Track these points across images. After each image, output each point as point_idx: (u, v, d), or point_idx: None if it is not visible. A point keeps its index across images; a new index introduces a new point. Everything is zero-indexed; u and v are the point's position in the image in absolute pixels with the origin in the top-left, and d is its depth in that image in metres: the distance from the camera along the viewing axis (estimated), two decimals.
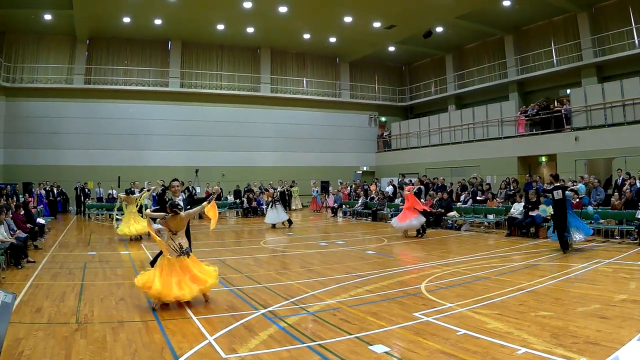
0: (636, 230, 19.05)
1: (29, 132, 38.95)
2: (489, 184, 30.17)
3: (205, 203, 11.88)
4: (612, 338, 8.17)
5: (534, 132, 34.40)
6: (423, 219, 23.87)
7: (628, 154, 27.60)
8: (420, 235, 23.76)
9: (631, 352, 4.19)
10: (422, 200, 27.00)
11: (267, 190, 32.34)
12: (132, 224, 23.01)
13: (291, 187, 39.49)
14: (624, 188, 22.14)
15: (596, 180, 24.57)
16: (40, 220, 23.99)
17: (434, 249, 20.00)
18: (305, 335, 9.05)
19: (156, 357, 7.97)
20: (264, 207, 37.54)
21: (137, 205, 23.60)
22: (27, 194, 30.96)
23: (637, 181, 22.89)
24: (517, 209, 23.60)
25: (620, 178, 24.56)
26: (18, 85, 39.36)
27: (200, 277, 11.28)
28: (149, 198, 24.27)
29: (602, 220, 21.19)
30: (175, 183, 12.65)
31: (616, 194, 22.45)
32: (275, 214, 29.13)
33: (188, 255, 11.44)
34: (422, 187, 27.30)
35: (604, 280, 12.87)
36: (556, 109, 33.93)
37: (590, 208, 21.05)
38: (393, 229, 25.64)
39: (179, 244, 11.40)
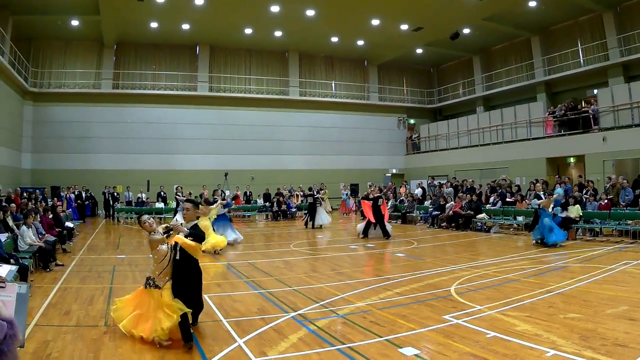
0: None
1: (56, 136, 39.36)
2: (517, 186, 30.07)
3: (163, 237, 9.37)
4: None
5: (562, 132, 34.23)
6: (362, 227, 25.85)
7: None
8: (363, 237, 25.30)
9: None
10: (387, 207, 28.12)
11: (320, 190, 33.42)
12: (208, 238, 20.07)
13: (320, 190, 39.68)
14: None
15: (624, 181, 24.40)
16: (69, 224, 24.21)
17: (463, 251, 20.01)
18: (335, 338, 9.12)
19: None
20: (294, 210, 37.79)
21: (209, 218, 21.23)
22: (55, 198, 31.11)
23: None
24: None
25: None
26: (45, 90, 39.79)
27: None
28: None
29: (629, 221, 21.08)
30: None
31: None
32: (323, 216, 30.77)
33: (144, 286, 9.66)
34: (382, 195, 27.56)
35: (632, 282, 12.87)
36: (584, 109, 33.69)
37: (546, 219, 20.98)
38: (422, 231, 25.92)
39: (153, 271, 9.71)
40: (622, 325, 9.07)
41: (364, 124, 48.78)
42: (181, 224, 9.55)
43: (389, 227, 25.24)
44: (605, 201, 22.94)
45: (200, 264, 9.64)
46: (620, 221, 21.50)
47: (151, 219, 9.72)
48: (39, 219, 18.96)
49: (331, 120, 47.46)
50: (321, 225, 30.30)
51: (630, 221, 21.12)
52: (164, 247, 9.34)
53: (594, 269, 14.60)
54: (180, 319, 8.72)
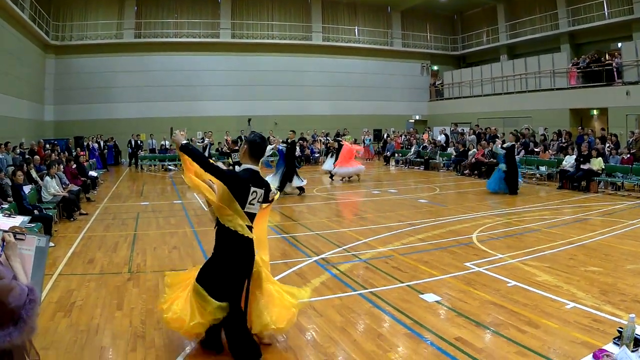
0: None
1: (79, 88, 39.25)
2: (543, 135, 29.94)
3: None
4: None
5: (586, 84, 33.88)
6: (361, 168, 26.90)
7: None
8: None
9: None
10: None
11: (343, 136, 32.89)
12: None
13: (343, 135, 39.56)
14: None
15: None
16: (93, 173, 24.32)
17: (485, 199, 20.09)
18: (357, 283, 9.32)
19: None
20: (317, 155, 37.83)
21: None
22: (78, 148, 31.20)
23: None
24: (569, 161, 23.42)
25: None
26: (67, 43, 39.63)
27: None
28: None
29: None
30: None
31: None
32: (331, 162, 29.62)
33: None
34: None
35: None
36: (607, 62, 33.23)
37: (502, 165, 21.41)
38: (445, 177, 26.11)
39: None
40: None
41: (387, 70, 48.33)
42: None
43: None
44: (628, 155, 22.76)
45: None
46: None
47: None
48: (63, 170, 19.11)
49: (354, 65, 46.91)
50: (331, 174, 29.04)
51: None
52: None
53: (615, 223, 14.53)
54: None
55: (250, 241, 6.28)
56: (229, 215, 6.12)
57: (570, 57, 36.41)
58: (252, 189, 6.22)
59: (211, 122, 39.67)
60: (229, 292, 6.25)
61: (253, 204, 6.30)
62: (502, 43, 44.66)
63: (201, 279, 6.32)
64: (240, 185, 6.12)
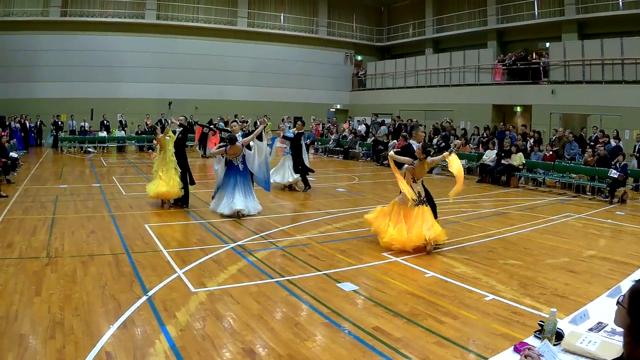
0: (607, 188, 18.99)
1: (2, 66, 37.96)
2: (464, 129, 30.17)
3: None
4: (580, 293, 8.25)
5: (511, 81, 34.16)
6: None
7: (604, 112, 27.40)
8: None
9: (601, 307, 4.24)
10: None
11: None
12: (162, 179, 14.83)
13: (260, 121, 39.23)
14: (598, 145, 22.06)
15: (570, 135, 24.50)
16: (13, 154, 23.45)
17: None
18: (274, 270, 9.18)
19: (126, 291, 8.03)
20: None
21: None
22: (0, 128, 30.33)
23: (612, 140, 22.83)
24: (489, 156, 23.63)
25: (595, 135, 24.50)
26: None
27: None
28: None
29: (573, 175, 21.20)
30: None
31: (589, 150, 22.37)
32: None
33: (426, 205, 11.10)
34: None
35: (573, 235, 12.88)
36: (534, 60, 33.62)
37: None
38: (364, 167, 26.04)
39: (418, 192, 11.13)
40: (562, 277, 9.15)
41: (311, 58, 48.29)
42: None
43: None
44: (550, 152, 23.05)
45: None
46: (564, 174, 21.57)
47: None
48: None
49: (278, 52, 46.77)
50: None
51: (575, 175, 21.22)
52: None
53: (535, 218, 14.68)
54: None
55: None
56: None
57: (496, 53, 36.73)
58: None
59: (131, 104, 39.09)
60: None
61: None
62: (428, 37, 44.89)
63: None
64: None
